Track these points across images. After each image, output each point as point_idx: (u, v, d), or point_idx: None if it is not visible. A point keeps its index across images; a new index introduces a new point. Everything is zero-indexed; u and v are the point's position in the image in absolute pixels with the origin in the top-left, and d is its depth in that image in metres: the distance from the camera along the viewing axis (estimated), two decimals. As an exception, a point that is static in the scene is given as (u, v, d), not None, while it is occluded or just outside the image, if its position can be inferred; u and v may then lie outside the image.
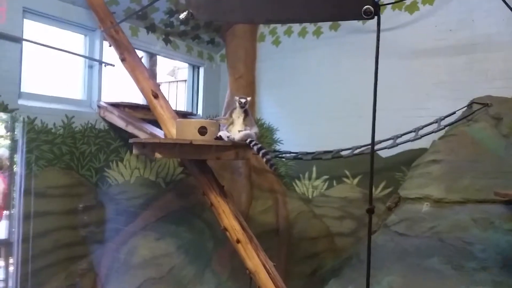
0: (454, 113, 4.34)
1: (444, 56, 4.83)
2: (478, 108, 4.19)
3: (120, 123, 4.39)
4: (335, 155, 4.76)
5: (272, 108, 6.06)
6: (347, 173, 5.37)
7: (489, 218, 3.45)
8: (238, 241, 3.57)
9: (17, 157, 3.94)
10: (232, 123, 3.71)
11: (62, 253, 4.19)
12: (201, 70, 6.36)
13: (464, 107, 4.37)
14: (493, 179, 3.66)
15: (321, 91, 5.61)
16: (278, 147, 5.88)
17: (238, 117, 3.70)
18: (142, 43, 5.28)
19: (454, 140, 4.11)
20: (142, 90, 4.10)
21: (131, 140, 3.76)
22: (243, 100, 3.71)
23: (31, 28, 4.17)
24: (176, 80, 7.17)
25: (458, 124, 4.22)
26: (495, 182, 3.62)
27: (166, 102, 4.08)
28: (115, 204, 4.67)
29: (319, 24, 5.71)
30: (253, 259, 3.51)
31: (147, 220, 4.87)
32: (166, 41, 5.63)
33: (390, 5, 5.13)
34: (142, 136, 4.01)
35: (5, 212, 4.01)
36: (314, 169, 5.64)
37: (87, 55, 4.72)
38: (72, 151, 4.35)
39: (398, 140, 4.34)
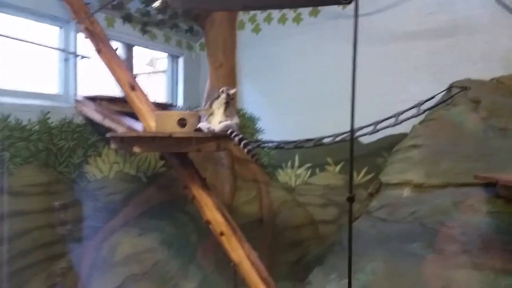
0: (433, 97, 4.37)
1: (425, 39, 4.83)
2: (457, 91, 4.21)
3: (97, 117, 4.30)
4: (317, 143, 4.76)
5: (254, 97, 6.02)
6: (329, 160, 5.39)
7: (469, 201, 3.49)
8: (221, 234, 3.56)
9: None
10: (212, 113, 3.64)
11: (41, 253, 4.10)
12: (180, 60, 6.26)
13: (443, 90, 4.39)
14: (472, 162, 3.70)
15: (302, 78, 5.59)
16: (260, 136, 5.87)
17: (218, 107, 3.61)
18: (118, 33, 5.16)
19: (434, 124, 4.13)
20: (119, 82, 4.01)
21: (108, 134, 3.68)
22: (230, 92, 3.61)
23: (2, 21, 4.04)
24: (155, 70, 7.07)
25: (437, 108, 4.24)
26: (475, 165, 3.65)
27: (144, 94, 4.01)
28: (94, 200, 4.60)
29: (299, 10, 5.66)
30: (237, 251, 3.50)
31: (128, 216, 4.81)
32: (143, 31, 5.52)
33: (370, -11, 5.11)
34: (120, 129, 3.93)
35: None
36: (297, 157, 5.64)
37: (62, 47, 4.59)
38: (49, 148, 4.25)
39: (379, 126, 4.35)
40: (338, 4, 2.06)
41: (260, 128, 5.92)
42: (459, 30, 4.64)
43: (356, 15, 2.07)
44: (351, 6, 2.07)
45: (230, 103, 3.63)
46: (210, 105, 3.68)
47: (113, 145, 3.81)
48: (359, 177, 5.08)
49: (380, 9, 5.07)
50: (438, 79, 4.52)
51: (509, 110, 3.88)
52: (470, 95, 4.12)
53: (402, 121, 4.24)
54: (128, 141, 3.54)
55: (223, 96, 3.57)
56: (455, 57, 4.63)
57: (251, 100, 6.03)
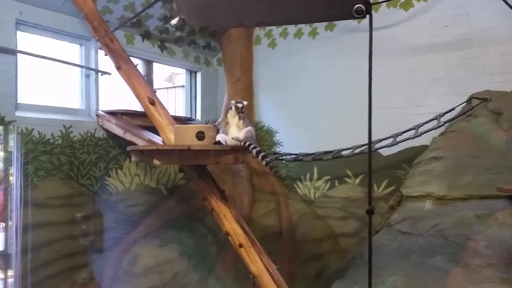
0: (453, 109, 4.31)
1: (440, 52, 4.79)
2: (478, 103, 4.14)
3: (118, 131, 4.37)
4: (336, 155, 4.72)
5: (271, 110, 6.02)
6: (349, 172, 5.33)
7: (493, 213, 3.39)
8: (240, 245, 3.53)
9: (13, 169, 3.91)
10: (228, 123, 3.71)
11: (64, 263, 4.16)
12: (198, 75, 6.34)
13: (463, 102, 4.32)
14: (495, 175, 3.61)
15: (319, 91, 5.57)
16: (278, 149, 5.84)
17: (233, 117, 3.71)
18: (138, 50, 5.27)
19: (454, 136, 4.06)
20: (139, 97, 4.07)
21: (129, 148, 3.72)
22: (239, 105, 3.68)
23: (26, 40, 4.16)
24: (174, 86, 7.14)
25: (457, 120, 4.17)
26: (498, 177, 3.57)
27: (163, 108, 4.05)
28: (116, 212, 4.65)
29: (315, 24, 5.68)
30: (256, 263, 3.47)
31: (149, 228, 4.83)
32: (162, 47, 5.61)
33: (385, 3, 5.10)
34: (140, 143, 3.98)
35: (1, 224, 3.97)
36: (315, 170, 5.60)
37: (83, 64, 4.70)
38: (71, 161, 4.33)
39: (398, 138, 4.31)
40: (353, 19, 2.03)
41: (278, 141, 5.91)
42: (475, 42, 4.59)
43: (370, 28, 2.05)
44: (366, 20, 2.04)
45: (243, 114, 3.70)
46: (225, 116, 3.73)
47: (133, 158, 3.85)
48: (380, 190, 5.00)
49: (396, 22, 5.05)
50: (455, 92, 4.48)
51: (531, 121, 3.79)
52: (490, 107, 4.05)
53: (422, 133, 4.18)
54: (148, 154, 3.57)
55: (233, 108, 3.69)
56: (472, 70, 4.57)
57: (269, 113, 6.03)
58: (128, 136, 4.21)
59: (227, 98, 6.02)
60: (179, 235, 4.82)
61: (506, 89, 4.24)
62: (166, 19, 5.28)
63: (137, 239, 4.67)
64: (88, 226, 4.37)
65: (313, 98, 5.61)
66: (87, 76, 4.74)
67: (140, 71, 4.64)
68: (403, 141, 4.26)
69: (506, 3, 3.89)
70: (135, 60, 4.46)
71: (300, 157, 5.02)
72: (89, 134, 4.52)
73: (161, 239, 4.70)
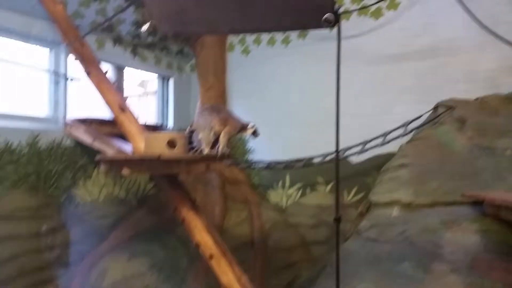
0: (420, 116, 4.43)
1: (409, 60, 4.94)
2: (443, 111, 4.27)
3: (87, 140, 4.30)
4: (307, 162, 4.78)
5: (244, 117, 6.00)
6: (320, 180, 5.40)
7: (457, 220, 3.50)
8: (211, 256, 3.52)
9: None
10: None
11: (28, 279, 4.03)
12: (171, 81, 6.32)
13: (429, 110, 4.46)
14: (459, 181, 3.73)
15: (292, 99, 5.65)
16: (251, 156, 5.88)
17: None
18: (109, 55, 5.22)
19: (421, 143, 4.18)
20: (109, 104, 4.01)
21: (97, 157, 3.67)
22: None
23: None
24: (146, 92, 7.09)
25: (424, 127, 4.29)
26: (462, 184, 3.68)
27: (134, 115, 4.01)
28: (83, 224, 4.55)
29: (288, 32, 5.76)
30: (227, 274, 3.46)
31: (117, 240, 4.75)
32: (134, 52, 5.58)
33: (355, 12, 5.24)
34: (110, 152, 3.93)
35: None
36: (288, 177, 5.66)
37: (52, 69, 4.61)
38: (38, 171, 4.24)
39: (367, 146, 4.40)
40: (321, 28, 2.10)
41: (250, 148, 5.93)
42: (443, 52, 4.76)
43: (339, 39, 2.11)
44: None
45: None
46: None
47: (102, 168, 3.79)
48: (349, 197, 5.10)
49: (365, 31, 5.19)
50: (423, 100, 4.60)
51: (493, 129, 3.94)
52: (455, 115, 4.19)
53: (389, 141, 4.28)
54: (117, 164, 3.52)
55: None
56: (439, 78, 4.74)
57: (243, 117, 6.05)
58: (97, 145, 4.14)
59: (200, 104, 6.02)
60: (149, 247, 4.75)
61: (470, 97, 4.39)
62: (139, 24, 5.26)
63: (105, 252, 4.58)
64: (54, 239, 4.26)
65: (285, 105, 5.68)
66: (56, 82, 4.66)
67: (111, 76, 4.60)
68: (372, 148, 4.35)
69: (470, 14, 4.06)
70: (106, 66, 4.43)
71: (272, 164, 5.05)
72: (57, 143, 4.44)
73: (130, 252, 4.61)
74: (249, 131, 3.87)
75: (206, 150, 3.64)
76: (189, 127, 3.88)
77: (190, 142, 3.71)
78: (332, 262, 4.09)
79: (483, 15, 4.10)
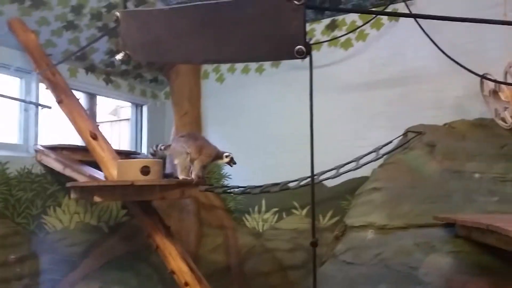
0: (391, 142, 4.54)
1: (379, 88, 5.08)
2: (413, 136, 4.41)
3: (57, 167, 4.20)
4: (283, 187, 4.79)
5: (219, 143, 5.97)
6: (296, 204, 5.41)
7: (430, 241, 3.57)
8: (186, 284, 3.46)
9: None
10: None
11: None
12: (145, 108, 6.27)
13: (399, 136, 4.58)
14: (431, 204, 3.82)
15: (266, 125, 5.69)
16: (227, 182, 5.84)
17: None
18: (81, 83, 5.17)
19: (393, 168, 4.28)
20: (80, 132, 3.97)
21: (68, 184, 3.60)
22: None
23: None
24: (119, 119, 7.03)
25: (395, 152, 4.40)
26: (433, 206, 3.78)
27: (106, 142, 3.97)
28: (53, 252, 4.38)
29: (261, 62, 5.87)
30: (203, 302, 3.40)
31: (89, 268, 4.59)
32: (107, 80, 5.54)
33: (326, 43, 5.40)
34: (81, 179, 3.84)
35: None
36: (264, 202, 5.63)
37: (23, 98, 4.54)
38: (6, 199, 4.11)
39: (341, 170, 4.45)
40: (294, 59, 2.16)
41: (226, 174, 5.91)
42: (411, 80, 4.91)
43: (311, 69, 2.18)
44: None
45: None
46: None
47: (73, 195, 3.72)
48: (325, 221, 5.11)
49: (337, 60, 5.34)
50: (394, 126, 4.73)
51: (462, 153, 4.08)
52: (425, 140, 4.33)
53: (362, 165, 4.35)
54: (88, 191, 3.47)
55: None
56: (408, 105, 4.87)
57: (217, 144, 6.06)
58: (68, 172, 4.04)
59: (175, 131, 6.00)
60: (122, 275, 4.62)
61: (438, 123, 4.55)
62: (112, 52, 5.25)
63: (77, 281, 4.42)
64: (22, 269, 4.07)
65: (260, 131, 5.71)
66: (27, 110, 4.58)
67: (83, 104, 4.55)
68: (345, 172, 4.40)
69: (435, 45, 4.26)
70: (78, 94, 4.38)
71: (248, 189, 5.04)
72: (26, 170, 4.32)
73: (102, 281, 4.46)
74: (225, 160, 3.91)
75: (181, 176, 3.63)
76: (155, 146, 3.90)
77: (154, 154, 3.85)
78: (309, 286, 4.06)
79: (447, 45, 4.29)
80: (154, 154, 3.89)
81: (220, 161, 3.98)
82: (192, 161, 3.69)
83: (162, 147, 3.88)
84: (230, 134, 5.95)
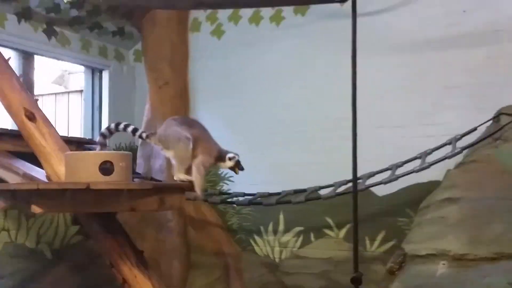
0: (475, 129, 4.49)
1: (456, 47, 5.00)
2: (509, 121, 4.34)
3: (-23, 161, 4.23)
4: (311, 195, 4.79)
5: (214, 128, 5.99)
6: (330, 221, 5.41)
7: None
8: None
9: None
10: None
11: None
12: (105, 75, 6.31)
13: (488, 120, 4.52)
14: (534, 224, 3.78)
15: (284, 101, 5.67)
16: (227, 186, 5.85)
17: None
18: (12, 36, 5.20)
19: (477, 168, 4.23)
20: (10, 109, 3.95)
21: (-7, 188, 3.61)
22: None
23: None
24: (67, 90, 7.05)
25: (481, 145, 4.35)
26: (538, 227, 3.74)
27: (49, 125, 3.96)
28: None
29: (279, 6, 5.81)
30: None
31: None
32: (50, 33, 5.55)
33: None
34: (12, 179, 3.87)
35: None
36: (281, 217, 5.65)
37: None
38: None
39: (398, 171, 4.42)
40: (329, 2, 2.11)
41: (226, 175, 5.90)
42: (505, 35, 4.82)
43: (354, 17, 2.13)
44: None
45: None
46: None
47: (1, 203, 3.73)
48: (374, 246, 5.12)
49: (392, 5, 5.24)
50: (479, 105, 4.71)
51: None
52: (528, 127, 4.27)
53: (430, 164, 4.31)
54: (23, 197, 3.47)
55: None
56: (502, 73, 4.80)
57: (211, 132, 6.04)
58: (-7, 169, 4.08)
59: (150, 109, 6.00)
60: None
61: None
62: (58, -9, 5.26)
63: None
64: None
65: (275, 111, 5.70)
66: None
67: (14, 68, 4.55)
68: (405, 175, 4.36)
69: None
70: (6, 53, 4.36)
71: (258, 198, 5.05)
72: None
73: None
74: (228, 164, 3.91)
75: (178, 176, 3.70)
76: (113, 124, 3.92)
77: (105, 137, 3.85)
78: None
79: None
80: (105, 137, 3.87)
81: (221, 165, 3.97)
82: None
83: (144, 135, 3.88)
84: (231, 115, 5.94)
